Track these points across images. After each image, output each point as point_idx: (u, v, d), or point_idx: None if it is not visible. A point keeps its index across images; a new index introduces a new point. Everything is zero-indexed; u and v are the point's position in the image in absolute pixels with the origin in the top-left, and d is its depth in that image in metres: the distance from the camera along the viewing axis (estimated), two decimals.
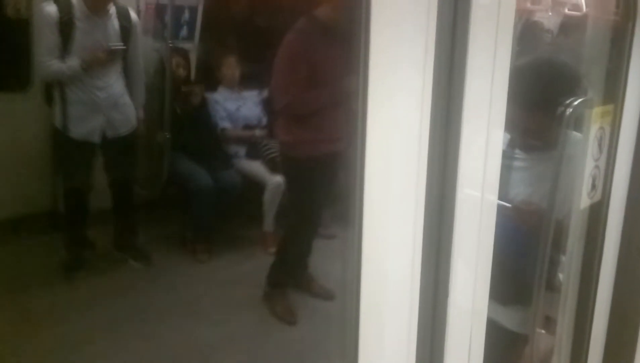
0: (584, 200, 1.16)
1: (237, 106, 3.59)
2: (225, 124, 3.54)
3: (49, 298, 2.59)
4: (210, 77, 3.60)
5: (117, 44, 2.70)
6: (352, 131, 0.57)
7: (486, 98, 0.70)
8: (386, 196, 0.60)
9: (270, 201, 3.29)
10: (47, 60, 2.63)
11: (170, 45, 3.28)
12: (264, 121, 3.63)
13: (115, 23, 2.74)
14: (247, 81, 3.61)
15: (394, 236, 0.62)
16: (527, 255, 1.32)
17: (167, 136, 3.19)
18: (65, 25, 2.61)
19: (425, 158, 0.61)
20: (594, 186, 1.17)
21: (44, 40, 2.65)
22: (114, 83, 2.76)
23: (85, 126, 2.73)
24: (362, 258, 0.60)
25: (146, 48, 3.11)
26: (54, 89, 2.73)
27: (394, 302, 0.65)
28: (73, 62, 2.63)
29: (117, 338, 2.38)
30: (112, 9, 2.73)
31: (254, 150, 3.51)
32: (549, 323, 1.44)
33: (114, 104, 2.78)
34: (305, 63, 2.29)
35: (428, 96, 0.60)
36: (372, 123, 0.57)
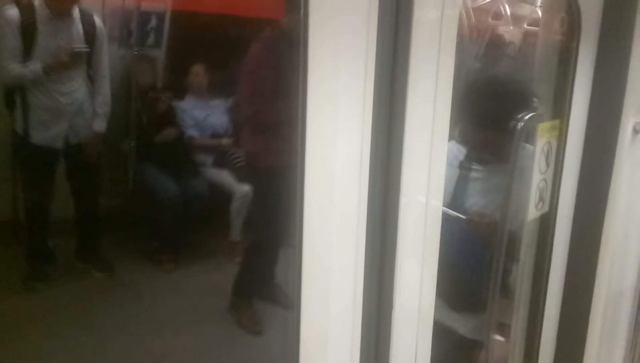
0: (532, 212, 1.21)
1: (204, 115, 3.58)
2: (192, 132, 3.52)
3: (6, 309, 2.52)
4: (177, 86, 3.58)
5: (81, 46, 2.67)
6: (294, 140, 0.58)
7: (429, 107, 0.73)
8: (327, 202, 0.62)
9: (238, 211, 3.28)
10: (9, 64, 2.58)
11: (137, 52, 3.25)
12: (232, 129, 3.63)
13: (79, 27, 2.70)
14: (215, 89, 3.61)
15: (336, 243, 0.64)
16: (481, 263, 1.36)
17: (132, 144, 3.15)
18: (28, 29, 2.57)
19: (367, 165, 0.63)
20: (541, 198, 1.22)
21: (6, 44, 2.60)
22: (78, 88, 2.72)
23: (47, 132, 2.68)
24: (303, 266, 0.62)
25: (112, 55, 3.07)
26: (15, 94, 2.68)
27: (337, 310, 0.67)
28: (35, 66, 2.59)
29: (77, 348, 2.33)
30: (76, 13, 2.70)
31: (222, 159, 3.50)
32: (503, 329, 1.48)
33: (78, 109, 2.74)
34: (268, 73, 2.31)
35: (369, 104, 0.62)
36: (312, 129, 0.59)
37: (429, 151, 0.76)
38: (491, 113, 1.41)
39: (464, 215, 1.47)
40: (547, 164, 1.21)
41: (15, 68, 2.57)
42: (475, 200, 1.54)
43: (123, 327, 2.51)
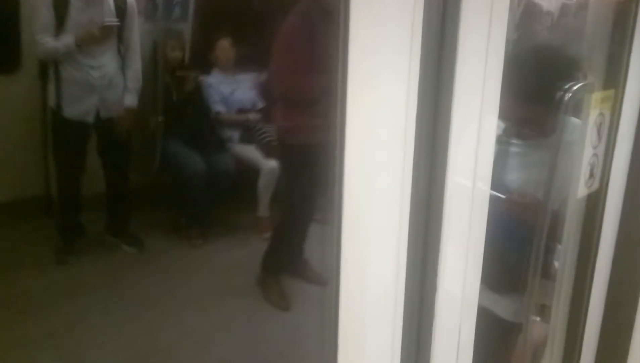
0: (582, 189, 1.13)
1: (231, 90, 3.54)
2: (219, 108, 3.49)
3: (41, 283, 2.57)
4: (204, 60, 3.54)
5: (111, 20, 2.67)
6: (332, 117, 0.53)
7: (479, 83, 0.66)
8: (368, 182, 0.57)
9: (265, 187, 3.26)
10: (42, 38, 2.60)
11: (163, 26, 3.22)
12: (259, 105, 3.59)
13: (110, 1, 2.72)
14: (242, 64, 3.56)
15: (378, 224, 0.59)
16: (523, 244, 1.30)
17: (160, 120, 3.15)
18: (60, 3, 2.58)
19: (412, 145, 0.58)
20: (592, 175, 1.14)
21: (39, 18, 2.62)
22: (108, 63, 2.74)
23: (79, 106, 2.71)
24: (342, 248, 0.57)
25: (140, 30, 3.05)
26: (49, 68, 2.70)
27: (377, 293, 0.62)
28: (67, 40, 2.60)
29: (109, 323, 2.37)
30: None
31: (248, 134, 3.47)
32: (544, 311, 1.42)
33: (109, 84, 2.75)
34: (306, 47, 2.23)
35: (415, 80, 0.56)
36: (353, 107, 0.54)
37: (477, 131, 0.70)
38: (535, 85, 1.33)
39: (504, 192, 1.40)
40: (600, 138, 1.12)
41: (49, 42, 2.59)
42: (515, 176, 1.47)
43: (151, 302, 2.54)
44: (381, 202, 0.60)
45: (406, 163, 0.60)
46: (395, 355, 0.70)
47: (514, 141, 1.48)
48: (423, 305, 0.70)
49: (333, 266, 0.59)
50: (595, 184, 1.16)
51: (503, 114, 1.44)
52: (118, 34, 2.75)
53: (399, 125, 0.59)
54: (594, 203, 1.21)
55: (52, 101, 2.71)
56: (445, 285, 0.72)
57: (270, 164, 3.23)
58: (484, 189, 0.74)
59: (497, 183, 1.48)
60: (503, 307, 1.44)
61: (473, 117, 0.69)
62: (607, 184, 1.18)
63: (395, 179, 0.61)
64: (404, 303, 0.67)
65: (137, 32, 2.86)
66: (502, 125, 1.47)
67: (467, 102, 0.66)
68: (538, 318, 1.42)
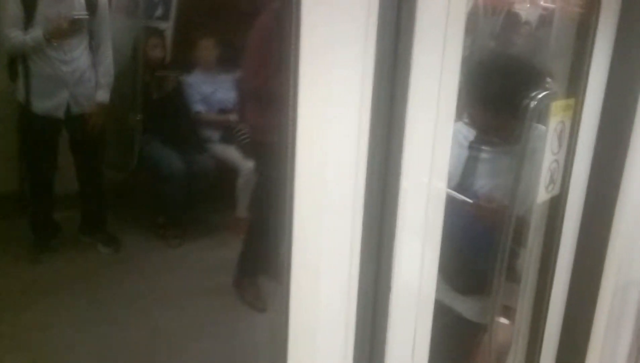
0: (542, 194, 1.17)
1: (212, 90, 3.54)
2: (199, 107, 3.48)
3: (13, 281, 2.53)
4: (185, 59, 3.53)
5: (80, 14, 2.65)
6: (283, 114, 0.55)
7: (435, 83, 0.68)
8: (320, 180, 0.58)
9: (244, 187, 3.26)
10: (10, 32, 2.57)
11: (144, 24, 3.20)
12: (238, 105, 3.59)
13: None
14: (224, 64, 3.55)
15: (330, 222, 0.61)
16: (489, 247, 1.33)
17: (139, 118, 3.13)
18: None
19: (366, 142, 0.59)
20: (552, 180, 1.18)
21: (7, 12, 2.58)
22: (79, 57, 2.71)
23: (49, 101, 2.67)
24: (293, 246, 0.59)
25: (119, 27, 3.03)
26: (18, 63, 2.67)
27: (330, 291, 0.64)
28: (36, 34, 2.57)
29: (82, 322, 2.34)
30: None
31: (229, 135, 3.47)
32: (508, 312, 1.45)
33: (79, 79, 2.72)
34: (272, 44, 2.25)
35: (369, 80, 0.58)
36: (304, 104, 0.55)
37: (433, 129, 0.72)
38: (502, 92, 1.36)
39: (472, 197, 1.43)
40: (560, 145, 1.16)
41: (17, 36, 2.56)
42: (484, 182, 1.50)
43: (126, 301, 2.52)
44: (334, 200, 0.62)
45: (360, 160, 0.62)
46: (349, 354, 0.71)
47: (484, 147, 1.51)
48: (377, 305, 0.72)
49: (284, 265, 0.60)
50: (556, 190, 1.20)
51: (473, 121, 1.48)
52: (89, 28, 2.73)
53: (352, 123, 0.61)
54: (555, 208, 1.25)
55: (20, 95, 2.67)
56: (401, 282, 0.73)
57: (249, 165, 3.23)
58: (440, 187, 0.76)
59: (467, 187, 1.51)
60: (468, 308, 1.47)
61: (430, 112, 0.70)
62: (567, 189, 1.21)
63: (349, 177, 0.62)
64: (356, 303, 0.68)
65: (109, 27, 2.84)
66: (474, 133, 1.50)
67: (424, 97, 0.67)
68: (502, 319, 1.45)
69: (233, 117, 3.52)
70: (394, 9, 0.61)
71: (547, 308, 1.31)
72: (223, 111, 3.56)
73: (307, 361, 0.66)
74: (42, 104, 2.67)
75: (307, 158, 0.58)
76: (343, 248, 0.64)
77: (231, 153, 3.38)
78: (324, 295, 0.64)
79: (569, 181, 1.20)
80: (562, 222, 1.23)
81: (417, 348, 0.82)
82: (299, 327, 0.64)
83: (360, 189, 0.62)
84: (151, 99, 3.23)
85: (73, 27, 2.64)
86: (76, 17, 2.64)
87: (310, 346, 0.65)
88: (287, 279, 0.61)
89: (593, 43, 1.13)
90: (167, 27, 3.58)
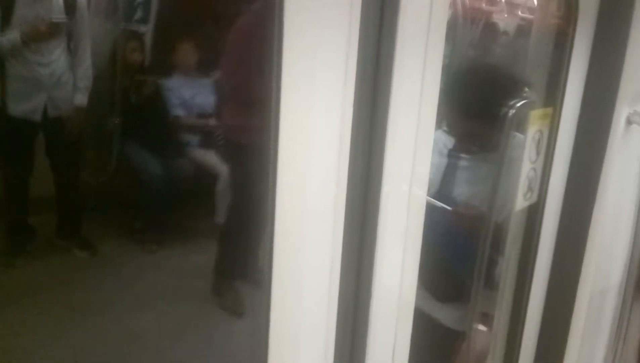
0: (520, 202, 1.18)
1: (192, 94, 3.50)
2: (179, 111, 3.45)
3: None
4: (165, 63, 3.50)
5: (59, 17, 2.61)
6: (266, 118, 0.54)
7: (416, 91, 0.68)
8: (302, 187, 0.58)
9: (223, 192, 3.23)
10: None
11: (123, 27, 3.16)
12: (217, 109, 3.56)
13: None
14: (204, 68, 3.53)
15: (311, 229, 0.60)
16: (468, 254, 1.34)
17: (117, 122, 3.08)
18: None
19: (347, 150, 0.59)
20: (530, 188, 1.19)
21: None
22: (57, 60, 2.67)
23: (25, 104, 2.62)
24: (274, 250, 0.58)
25: (98, 30, 2.99)
26: None
27: (310, 297, 0.63)
28: (13, 35, 2.52)
29: (55, 327, 2.29)
30: None
31: (208, 139, 3.44)
32: (486, 319, 1.46)
33: (57, 82, 2.68)
34: (250, 46, 2.24)
35: (351, 86, 0.58)
36: (287, 109, 0.54)
37: (414, 137, 0.72)
38: (480, 101, 1.38)
39: (451, 205, 1.44)
40: (538, 153, 1.17)
41: None
42: (463, 189, 1.51)
43: (102, 306, 2.47)
44: (315, 206, 0.61)
45: (341, 166, 0.62)
46: (329, 360, 0.70)
47: (463, 155, 1.52)
48: (357, 311, 0.71)
49: (265, 270, 0.60)
50: (534, 198, 1.21)
51: (452, 129, 1.49)
52: (68, 31, 2.70)
53: (334, 128, 0.60)
54: (533, 215, 1.26)
55: None
56: (381, 289, 0.73)
57: (228, 170, 3.21)
58: (421, 194, 0.76)
59: (446, 195, 1.52)
60: (446, 315, 1.48)
61: (410, 119, 0.70)
62: (544, 197, 1.23)
63: (331, 182, 0.62)
64: (337, 309, 0.68)
65: (88, 30, 2.81)
66: (453, 140, 1.52)
67: (405, 103, 0.68)
68: (481, 326, 1.46)
69: (212, 121, 3.50)
70: (377, 15, 0.61)
71: (524, 315, 1.33)
72: (202, 115, 3.53)
73: None
74: (18, 107, 2.62)
75: (289, 162, 0.57)
76: (324, 253, 0.64)
77: (210, 158, 3.35)
78: (305, 300, 0.63)
79: (546, 189, 1.22)
80: (539, 229, 1.25)
81: (397, 354, 0.81)
82: (280, 331, 0.63)
83: (342, 195, 0.62)
84: (130, 103, 3.19)
85: (51, 30, 2.60)
86: (54, 20, 2.60)
87: (291, 351, 0.64)
88: (269, 284, 0.60)
89: (570, 53, 1.16)
90: (147, 30, 3.55)
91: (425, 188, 0.78)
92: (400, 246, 0.75)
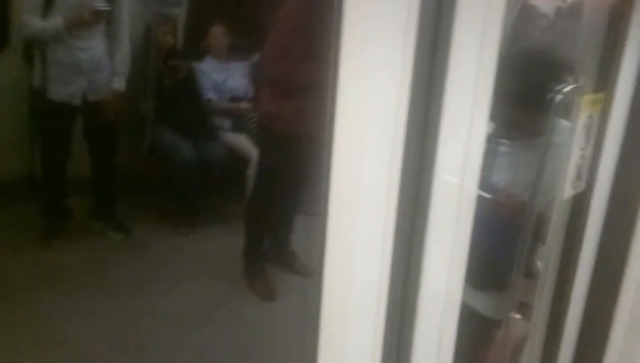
0: (568, 190, 1.14)
1: (224, 77, 3.51)
2: (211, 95, 3.46)
3: (24, 266, 2.55)
4: (197, 46, 3.51)
5: (103, 5, 2.63)
6: (322, 109, 0.53)
7: (471, 81, 0.66)
8: (356, 176, 0.57)
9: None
10: (30, 18, 2.56)
11: (157, 10, 3.18)
12: (252, 93, 3.57)
13: None
14: (236, 51, 3.53)
15: (364, 219, 0.59)
16: (507, 242, 1.31)
17: (150, 105, 3.12)
18: None
19: (402, 141, 0.58)
20: (578, 176, 1.15)
21: None
22: (97, 45, 2.71)
23: (66, 88, 2.67)
24: (327, 242, 0.57)
25: (133, 14, 3.01)
26: (35, 49, 2.66)
27: (361, 288, 0.62)
28: (56, 22, 2.56)
29: (91, 308, 2.36)
30: None
31: (240, 123, 3.45)
32: (524, 309, 1.44)
33: (96, 66, 2.72)
34: (303, 32, 2.20)
35: (407, 76, 0.56)
36: (343, 101, 0.53)
37: (467, 130, 0.70)
38: (524, 86, 1.34)
39: (490, 191, 1.41)
40: (588, 140, 1.13)
41: (37, 22, 2.55)
42: (502, 176, 1.48)
43: (135, 288, 2.53)
44: (368, 197, 0.60)
45: (395, 159, 0.60)
46: (377, 350, 0.70)
47: (503, 141, 1.48)
48: (406, 302, 0.71)
49: (317, 260, 0.59)
50: (582, 186, 1.17)
51: (493, 115, 1.45)
52: (107, 16, 2.72)
53: (389, 121, 0.59)
54: (579, 204, 1.22)
55: (37, 82, 2.66)
56: (429, 283, 0.72)
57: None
58: (472, 189, 0.74)
59: (484, 182, 1.49)
60: (482, 303, 1.45)
61: (464, 115, 0.69)
62: (592, 185, 1.19)
63: (383, 175, 0.61)
64: (387, 300, 0.67)
65: (127, 15, 2.82)
66: (492, 125, 1.48)
67: (459, 100, 0.66)
68: (518, 316, 1.43)
69: (244, 105, 3.50)
70: (435, 9, 0.59)
71: (566, 306, 1.29)
72: (234, 99, 3.54)
73: (337, 355, 0.65)
74: (58, 91, 2.67)
75: (343, 153, 0.56)
76: (375, 246, 0.63)
77: (242, 142, 3.36)
78: (355, 293, 0.63)
79: (595, 177, 1.18)
80: (586, 218, 1.21)
81: (442, 348, 0.80)
82: (330, 321, 0.63)
83: (395, 187, 0.61)
84: (163, 86, 3.21)
85: (94, 18, 2.63)
86: (98, 8, 2.62)
87: (341, 340, 0.64)
88: (320, 276, 0.60)
89: (626, 35, 1.10)
90: (180, 13, 3.56)
91: (477, 182, 0.76)
92: (450, 241, 0.73)
